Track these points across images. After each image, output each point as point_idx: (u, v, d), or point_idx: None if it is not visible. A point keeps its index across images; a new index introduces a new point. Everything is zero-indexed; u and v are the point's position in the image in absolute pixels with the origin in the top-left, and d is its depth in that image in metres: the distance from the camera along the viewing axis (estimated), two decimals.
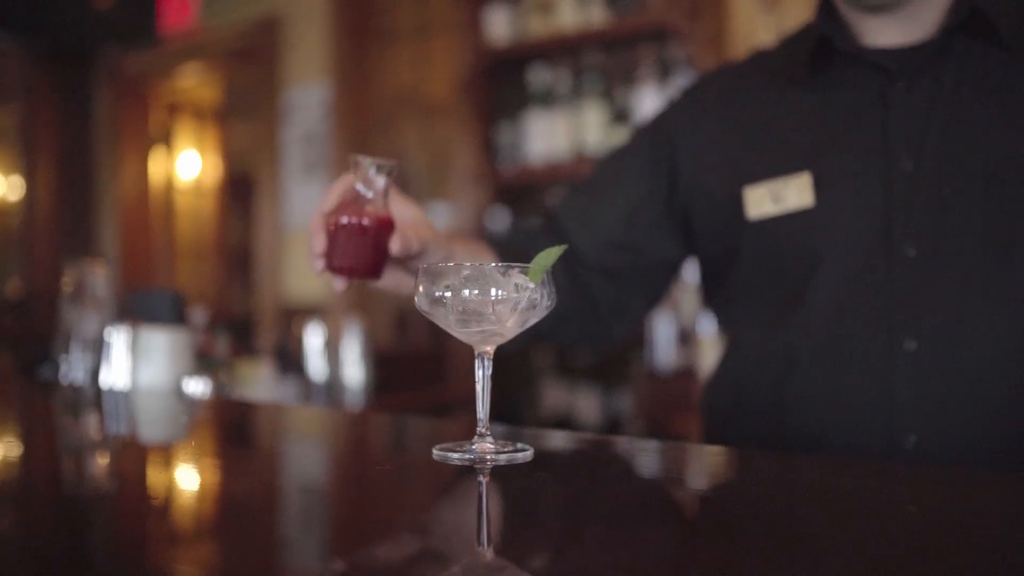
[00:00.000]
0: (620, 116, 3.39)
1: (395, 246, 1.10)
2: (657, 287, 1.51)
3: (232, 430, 1.29)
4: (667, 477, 0.95)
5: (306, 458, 1.09)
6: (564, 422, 3.41)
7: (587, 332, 1.51)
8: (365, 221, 1.09)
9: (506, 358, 3.66)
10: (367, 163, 1.10)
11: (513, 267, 0.92)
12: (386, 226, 1.11)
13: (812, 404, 1.25)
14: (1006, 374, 1.17)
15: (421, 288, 0.94)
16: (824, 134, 1.29)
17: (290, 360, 2.29)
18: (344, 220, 1.10)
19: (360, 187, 1.10)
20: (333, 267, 1.11)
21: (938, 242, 1.19)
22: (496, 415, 3.11)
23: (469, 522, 0.77)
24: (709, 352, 2.78)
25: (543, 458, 0.95)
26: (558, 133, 3.49)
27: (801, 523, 0.77)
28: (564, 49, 3.57)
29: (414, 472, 0.97)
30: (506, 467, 0.91)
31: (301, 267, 4.53)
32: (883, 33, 1.30)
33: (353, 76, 4.38)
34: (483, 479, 0.89)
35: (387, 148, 4.25)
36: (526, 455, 0.93)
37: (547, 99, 3.55)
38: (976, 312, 1.17)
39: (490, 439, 0.95)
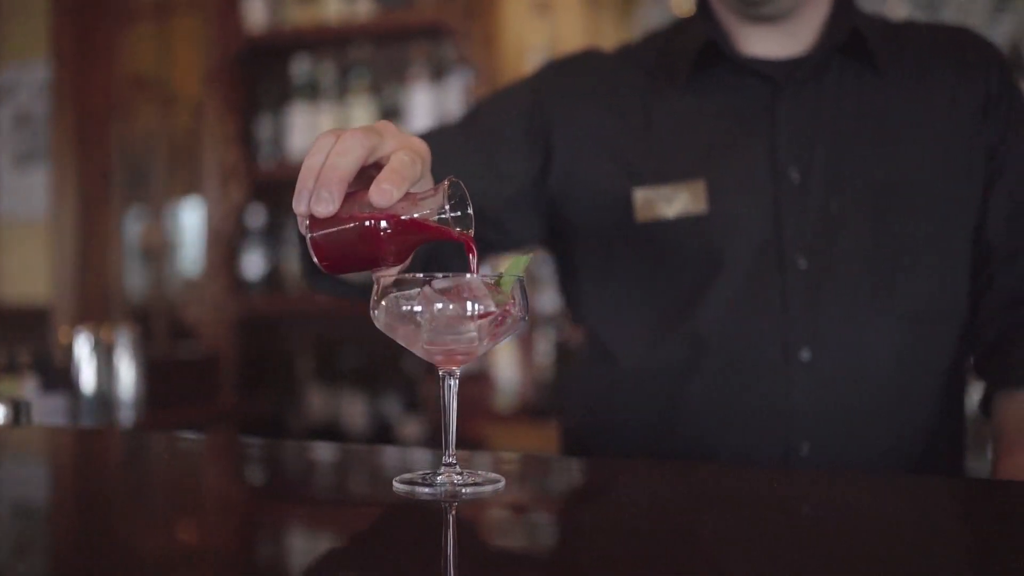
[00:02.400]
0: (390, 114, 3.30)
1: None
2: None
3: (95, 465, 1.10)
4: (651, 498, 0.90)
5: (254, 499, 0.93)
6: (331, 430, 3.27)
7: None
8: (389, 245, 0.85)
9: (265, 363, 3.46)
10: (459, 200, 0.85)
11: (485, 276, 0.84)
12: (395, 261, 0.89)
13: (707, 415, 1.25)
14: (894, 383, 1.22)
15: (384, 302, 0.84)
16: (714, 140, 1.29)
17: (54, 374, 2.02)
18: (371, 224, 0.83)
19: (423, 210, 0.84)
20: (315, 239, 0.86)
21: (828, 255, 1.23)
22: (256, 427, 2.91)
23: (435, 567, 0.68)
24: (503, 357, 2.76)
25: (515, 487, 0.87)
26: (323, 128, 3.34)
27: (698, 527, 0.76)
28: (329, 41, 3.43)
29: (377, 508, 0.86)
30: (476, 500, 0.82)
31: (17, 265, 4.06)
32: (762, 44, 1.32)
33: (81, 54, 3.97)
34: (452, 515, 0.80)
35: (122, 137, 3.89)
36: (497, 487, 0.84)
37: (311, 93, 3.39)
38: (866, 324, 1.21)
39: (457, 469, 0.86)
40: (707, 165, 1.27)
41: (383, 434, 3.21)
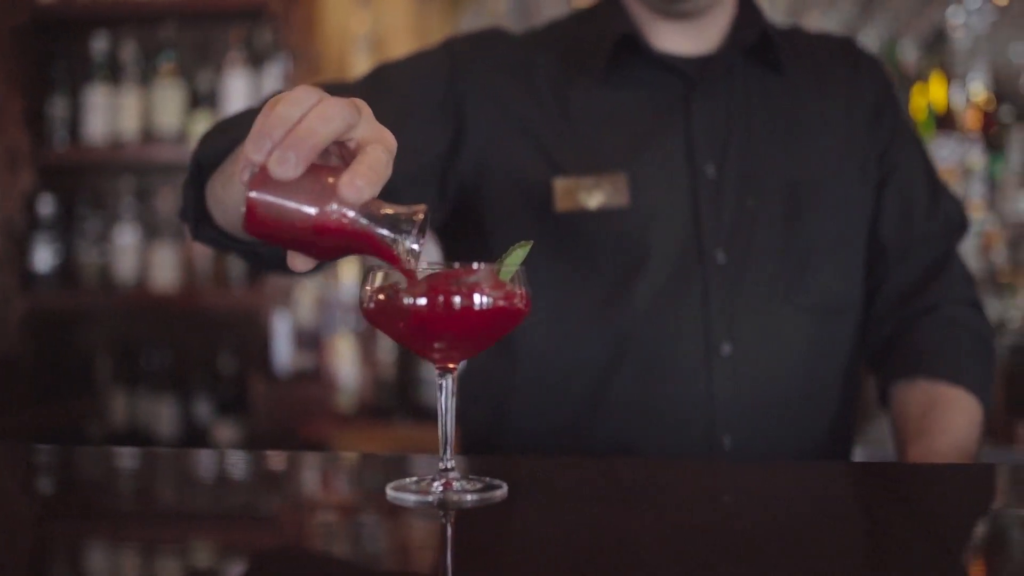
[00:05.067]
0: (202, 100, 3.11)
1: (298, 263, 0.79)
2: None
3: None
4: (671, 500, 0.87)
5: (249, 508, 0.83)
6: (137, 436, 3.04)
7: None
8: (331, 242, 0.75)
9: (59, 365, 3.19)
10: (419, 231, 0.75)
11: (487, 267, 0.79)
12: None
13: (628, 412, 1.24)
14: (804, 375, 1.26)
15: (382, 295, 0.77)
16: (634, 133, 1.28)
17: None
18: (322, 214, 0.73)
19: (380, 225, 0.74)
20: (253, 199, 0.73)
21: (744, 250, 1.25)
22: (52, 435, 2.67)
23: None
24: (343, 355, 2.66)
25: (521, 493, 0.82)
26: (126, 112, 3.11)
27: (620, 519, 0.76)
28: (132, 18, 3.19)
29: (369, 518, 0.79)
30: (477, 509, 0.77)
31: None
32: (673, 40, 1.32)
33: None
34: (450, 525, 0.75)
35: None
36: (501, 492, 0.79)
37: (112, 74, 3.14)
38: (781, 318, 1.25)
39: (455, 474, 0.80)
40: (628, 158, 1.26)
41: (196, 439, 3.02)
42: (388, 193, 1.23)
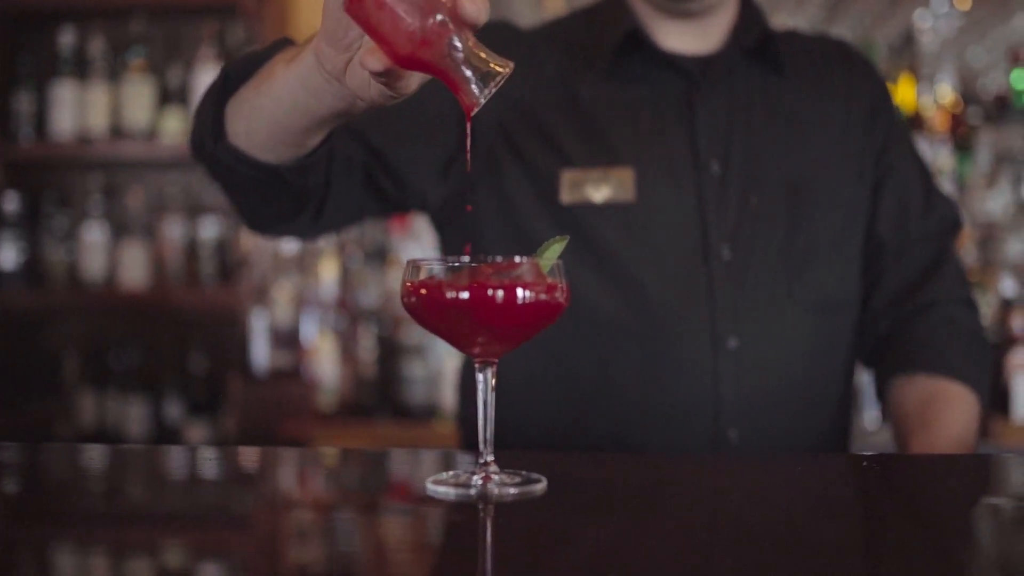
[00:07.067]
0: (172, 96, 3.07)
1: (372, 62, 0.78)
2: (349, 214, 1.29)
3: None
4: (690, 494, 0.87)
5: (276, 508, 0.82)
6: (106, 436, 2.99)
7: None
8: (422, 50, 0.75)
9: (25, 365, 3.13)
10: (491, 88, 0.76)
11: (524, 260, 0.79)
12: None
13: (634, 406, 1.25)
14: (806, 369, 1.28)
15: (424, 289, 0.76)
16: (641, 129, 1.29)
17: None
18: (426, 23, 0.74)
19: (467, 65, 0.75)
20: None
21: (748, 246, 1.26)
22: (13, 437, 2.63)
23: None
24: (324, 354, 2.63)
25: (560, 489, 0.82)
26: (94, 108, 3.06)
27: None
28: (101, 12, 3.14)
29: (407, 513, 0.79)
30: (516, 503, 0.77)
31: None
32: (677, 39, 1.34)
33: None
34: (489, 520, 0.75)
35: None
36: (540, 486, 0.80)
37: (79, 69, 3.09)
38: (784, 313, 1.26)
39: (495, 468, 0.80)
40: (635, 153, 1.27)
41: (166, 440, 2.98)
42: (395, 172, 1.24)
